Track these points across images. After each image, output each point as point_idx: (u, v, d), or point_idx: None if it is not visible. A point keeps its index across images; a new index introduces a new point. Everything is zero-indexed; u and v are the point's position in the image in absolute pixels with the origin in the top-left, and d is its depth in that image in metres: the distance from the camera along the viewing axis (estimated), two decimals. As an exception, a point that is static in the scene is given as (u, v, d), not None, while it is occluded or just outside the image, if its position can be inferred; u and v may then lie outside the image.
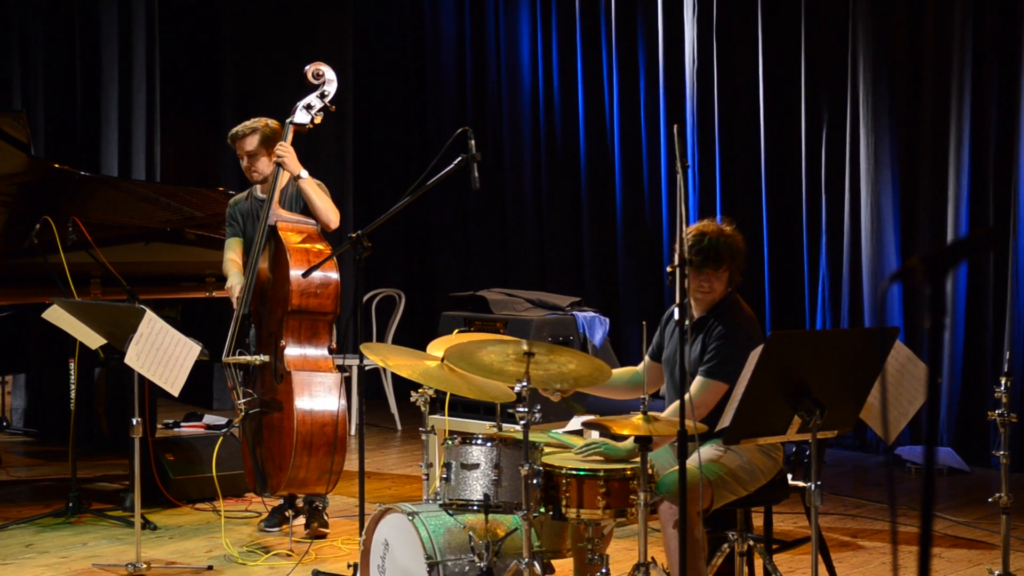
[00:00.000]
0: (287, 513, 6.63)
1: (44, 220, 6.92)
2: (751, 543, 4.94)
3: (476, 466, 4.72)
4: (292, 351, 6.36)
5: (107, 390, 9.11)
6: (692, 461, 4.39)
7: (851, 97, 8.61)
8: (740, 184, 9.31)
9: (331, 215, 6.51)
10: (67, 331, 6.32)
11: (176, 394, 5.75)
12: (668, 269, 4.41)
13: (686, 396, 4.30)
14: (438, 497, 4.88)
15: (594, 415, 5.49)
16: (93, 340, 6.26)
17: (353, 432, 8.54)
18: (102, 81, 9.49)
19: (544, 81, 10.62)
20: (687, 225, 4.58)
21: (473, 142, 5.37)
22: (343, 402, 6.34)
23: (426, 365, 5.16)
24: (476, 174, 5.41)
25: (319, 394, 6.29)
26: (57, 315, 6.27)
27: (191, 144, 11.43)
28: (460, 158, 5.40)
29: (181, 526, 6.86)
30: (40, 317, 6.41)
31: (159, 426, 9.00)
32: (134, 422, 5.93)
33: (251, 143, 6.60)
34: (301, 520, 6.61)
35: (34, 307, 6.71)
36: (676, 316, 4.22)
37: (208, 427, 9.51)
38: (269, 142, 6.58)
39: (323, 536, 6.52)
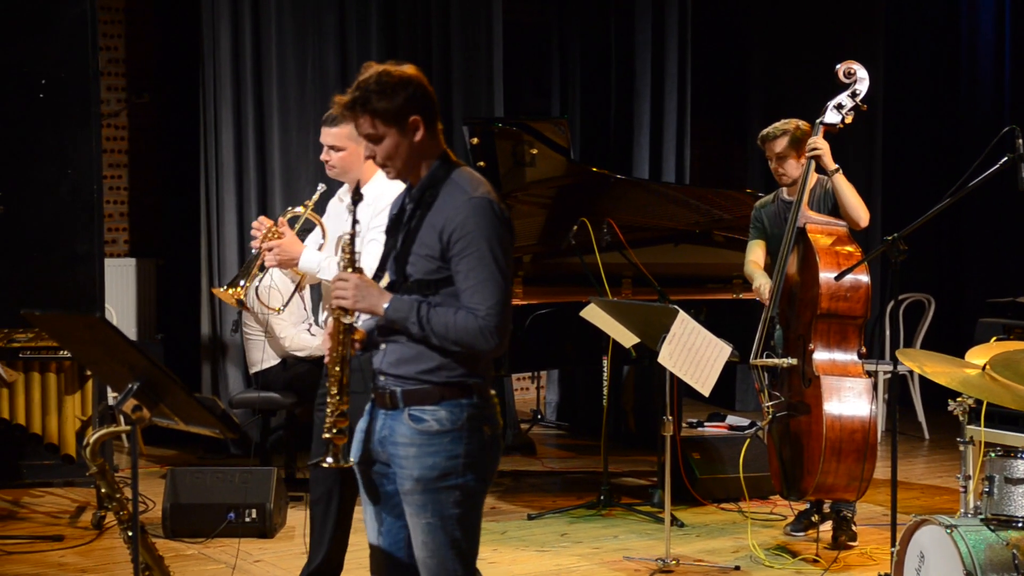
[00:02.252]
0: (813, 518, 6.57)
1: (581, 222, 7.20)
2: None
3: (1022, 481, 4.49)
4: (821, 355, 6.28)
5: (634, 388, 9.37)
6: None
7: None
8: None
9: (861, 212, 6.37)
10: (602, 329, 6.55)
11: (707, 394, 5.83)
12: None
13: None
14: (978, 511, 4.68)
15: None
16: (627, 339, 6.45)
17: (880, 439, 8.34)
18: (635, 88, 9.75)
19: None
20: None
21: (1021, 141, 5.13)
22: (873, 408, 6.21)
23: (965, 373, 4.96)
24: (1023, 175, 5.16)
25: (848, 399, 6.18)
26: (594, 314, 6.50)
27: (717, 147, 11.55)
28: (1006, 158, 5.17)
29: (707, 525, 6.94)
30: (576, 315, 6.66)
31: (683, 425, 9.16)
32: (665, 420, 6.06)
33: (780, 145, 6.57)
34: (828, 526, 6.52)
35: (570, 306, 7.00)
36: None
37: (731, 428, 9.58)
38: (798, 144, 6.53)
39: (851, 547, 6.39)
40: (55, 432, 6.74)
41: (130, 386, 3.73)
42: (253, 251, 5.16)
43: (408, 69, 3.66)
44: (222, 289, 5.22)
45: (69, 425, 6.75)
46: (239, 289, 5.13)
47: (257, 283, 5.22)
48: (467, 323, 3.54)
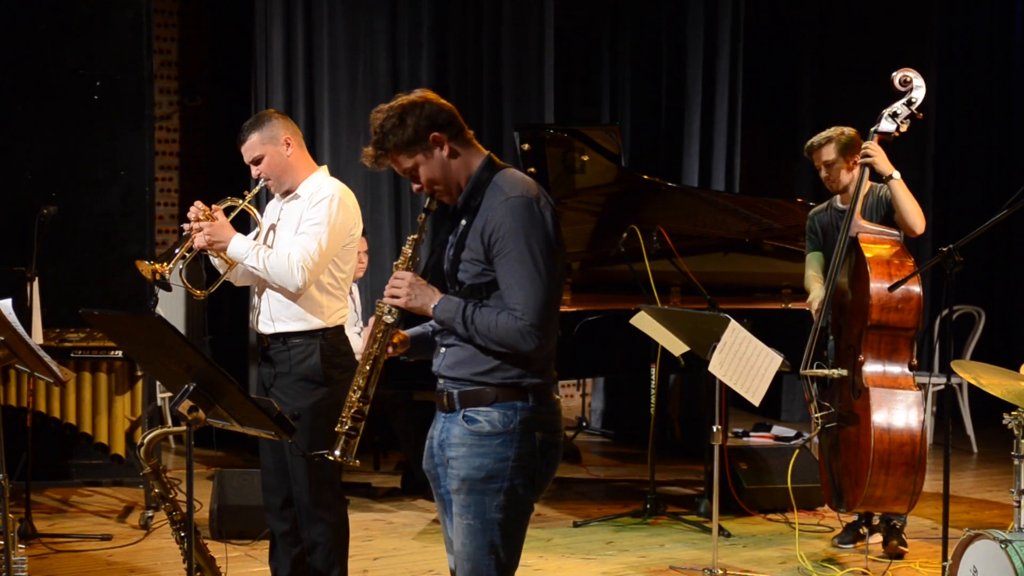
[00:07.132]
0: (862, 530, 6.52)
1: (630, 229, 7.18)
2: None
3: (1078, 497, 4.44)
4: (871, 366, 6.24)
5: (680, 396, 9.34)
6: None
7: None
8: None
9: (917, 219, 6.31)
10: (652, 337, 6.53)
11: (757, 404, 5.79)
12: None
13: None
14: (1033, 527, 4.64)
15: None
16: (677, 347, 6.43)
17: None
18: (686, 96, 9.73)
19: None
20: None
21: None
22: (924, 421, 6.16)
23: (1021, 386, 4.91)
24: (1081, 187, 5.11)
25: (898, 411, 6.13)
26: (644, 321, 6.49)
27: (765, 156, 11.51)
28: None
29: (754, 535, 6.90)
30: (624, 323, 6.64)
31: (729, 434, 9.11)
32: (715, 429, 6.03)
33: (828, 153, 6.53)
34: (877, 538, 6.48)
35: (618, 313, 6.97)
36: None
37: (776, 438, 9.53)
38: (847, 151, 6.49)
39: (901, 556, 6.35)
40: (105, 432, 6.79)
41: (187, 387, 3.74)
42: (183, 232, 5.09)
43: (414, 94, 3.66)
44: (146, 263, 5.15)
45: (119, 425, 6.80)
46: (161, 265, 5.06)
47: (183, 264, 5.14)
48: (507, 323, 3.51)
